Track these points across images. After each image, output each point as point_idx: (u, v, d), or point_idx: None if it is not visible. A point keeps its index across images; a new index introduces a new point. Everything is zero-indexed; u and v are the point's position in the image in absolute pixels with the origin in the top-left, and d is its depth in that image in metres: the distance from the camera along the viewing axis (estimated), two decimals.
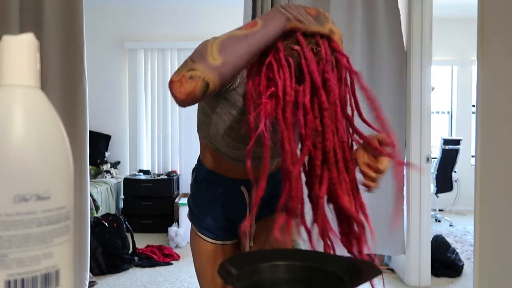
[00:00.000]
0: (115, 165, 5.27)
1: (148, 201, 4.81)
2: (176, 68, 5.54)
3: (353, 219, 0.84)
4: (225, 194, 1.23)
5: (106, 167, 5.10)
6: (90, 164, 3.18)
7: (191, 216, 1.32)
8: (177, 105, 5.32)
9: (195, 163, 1.33)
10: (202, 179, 1.26)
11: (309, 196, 0.85)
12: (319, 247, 0.83)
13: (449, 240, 4.10)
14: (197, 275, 1.34)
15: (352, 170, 0.84)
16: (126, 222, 3.70)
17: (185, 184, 5.29)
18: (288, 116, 0.79)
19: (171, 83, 0.80)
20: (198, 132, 1.24)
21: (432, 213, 5.10)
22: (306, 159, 0.83)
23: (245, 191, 1.23)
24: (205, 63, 0.78)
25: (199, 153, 1.31)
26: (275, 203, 1.13)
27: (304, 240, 0.85)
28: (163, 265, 3.60)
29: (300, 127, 0.80)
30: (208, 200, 1.26)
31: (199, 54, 0.79)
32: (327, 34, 0.83)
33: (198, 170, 1.29)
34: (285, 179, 0.81)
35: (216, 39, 0.81)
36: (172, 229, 4.20)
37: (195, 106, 4.56)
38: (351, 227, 0.86)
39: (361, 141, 0.89)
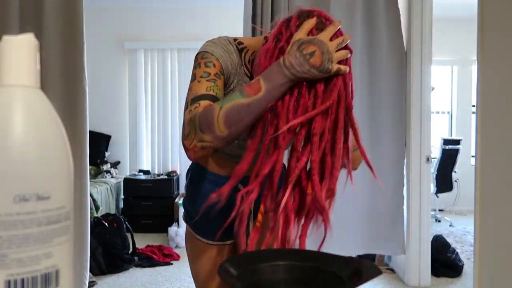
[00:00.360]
0: (115, 165, 5.27)
1: (148, 201, 4.81)
2: (176, 68, 5.48)
3: (320, 207, 0.84)
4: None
5: (106, 167, 5.10)
6: (90, 164, 3.18)
7: (187, 218, 1.31)
8: (177, 105, 5.35)
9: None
10: (199, 179, 1.25)
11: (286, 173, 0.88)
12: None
13: (449, 240, 4.10)
14: (193, 278, 1.32)
15: (338, 155, 0.85)
16: (126, 222, 3.70)
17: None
18: (286, 99, 0.84)
19: (185, 149, 0.90)
20: None
21: (432, 213, 5.10)
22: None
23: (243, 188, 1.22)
24: (213, 135, 0.86)
25: None
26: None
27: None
28: (163, 265, 3.60)
29: (297, 106, 0.84)
30: (206, 200, 1.25)
31: (207, 125, 0.85)
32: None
33: (194, 170, 1.28)
34: (274, 150, 0.85)
35: (221, 110, 0.84)
36: (172, 229, 4.20)
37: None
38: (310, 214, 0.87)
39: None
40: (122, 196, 4.99)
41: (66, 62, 2.47)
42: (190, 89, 0.96)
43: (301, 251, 0.53)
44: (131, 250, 3.67)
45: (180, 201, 4.44)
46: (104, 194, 4.58)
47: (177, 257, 3.78)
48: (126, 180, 4.89)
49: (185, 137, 0.89)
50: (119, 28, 5.35)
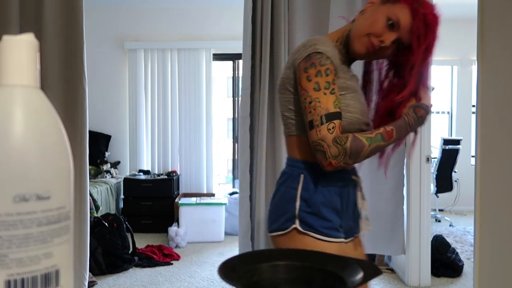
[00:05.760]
0: (115, 165, 5.27)
1: (148, 201, 4.81)
2: (176, 68, 5.51)
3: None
4: (344, 186, 1.24)
5: (106, 167, 5.10)
6: (90, 164, 3.18)
7: (309, 225, 1.18)
8: (177, 105, 5.35)
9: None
10: (322, 176, 1.19)
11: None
12: None
13: (449, 240, 4.10)
14: None
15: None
16: (126, 222, 3.70)
17: (185, 184, 5.29)
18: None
19: (328, 165, 1.10)
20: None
21: (432, 213, 5.10)
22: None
23: (358, 178, 1.30)
24: (354, 162, 1.12)
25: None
26: (358, 214, 1.34)
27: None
28: (163, 265, 3.60)
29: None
30: (334, 198, 1.20)
31: (355, 155, 1.11)
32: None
33: (310, 171, 1.20)
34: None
35: (369, 147, 1.12)
36: (172, 229, 4.20)
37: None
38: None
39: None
40: (122, 196, 4.99)
41: (66, 62, 2.47)
42: (317, 99, 1.10)
43: (301, 251, 0.53)
44: (131, 250, 3.67)
45: (181, 201, 4.43)
46: (104, 194, 4.58)
47: (177, 257, 3.78)
48: (126, 180, 4.89)
49: (333, 157, 1.09)
50: (119, 28, 5.35)
